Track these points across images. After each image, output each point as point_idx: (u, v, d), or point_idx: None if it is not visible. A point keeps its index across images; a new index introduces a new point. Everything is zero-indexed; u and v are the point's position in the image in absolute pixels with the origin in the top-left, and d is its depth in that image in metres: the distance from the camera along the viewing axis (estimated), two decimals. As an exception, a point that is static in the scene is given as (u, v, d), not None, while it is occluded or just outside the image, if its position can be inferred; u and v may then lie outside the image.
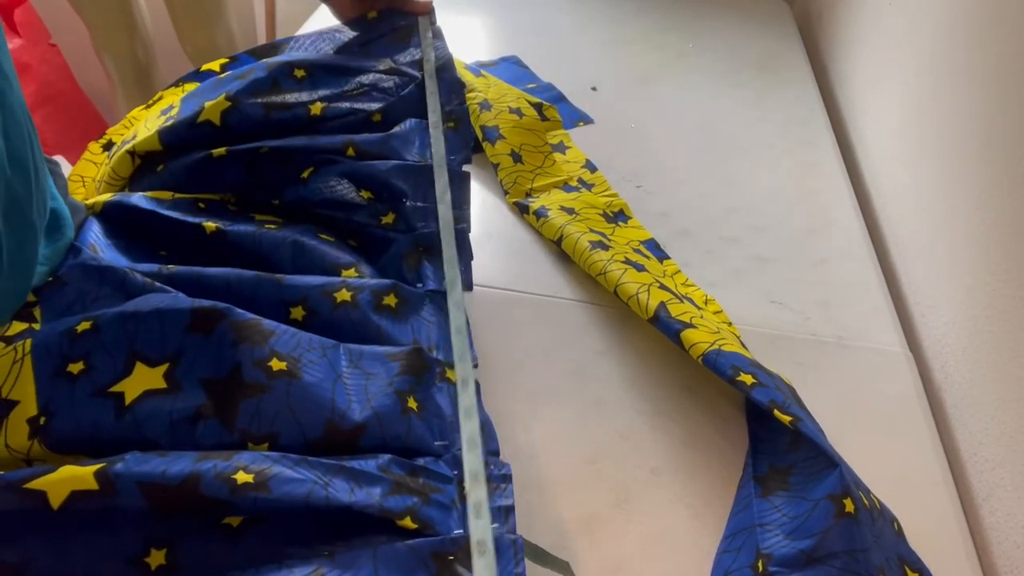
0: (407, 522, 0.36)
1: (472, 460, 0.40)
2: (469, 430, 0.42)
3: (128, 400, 0.36)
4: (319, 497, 0.34)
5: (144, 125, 0.59)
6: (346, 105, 0.58)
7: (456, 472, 0.41)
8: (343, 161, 0.55)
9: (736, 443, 0.49)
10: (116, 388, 0.36)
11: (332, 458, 0.37)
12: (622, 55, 0.94)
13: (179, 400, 0.36)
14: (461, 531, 0.37)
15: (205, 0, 1.15)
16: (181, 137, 0.55)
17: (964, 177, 0.59)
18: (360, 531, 0.35)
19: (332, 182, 0.55)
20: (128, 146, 0.57)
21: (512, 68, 0.87)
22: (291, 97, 0.57)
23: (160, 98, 0.64)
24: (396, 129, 0.59)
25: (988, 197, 0.55)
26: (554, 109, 0.78)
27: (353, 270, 0.49)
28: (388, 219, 0.55)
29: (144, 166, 0.57)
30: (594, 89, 0.86)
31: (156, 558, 0.32)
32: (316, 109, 0.57)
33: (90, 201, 0.50)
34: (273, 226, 0.52)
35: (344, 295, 0.46)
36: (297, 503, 0.33)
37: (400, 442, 0.40)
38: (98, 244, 0.45)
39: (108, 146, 0.63)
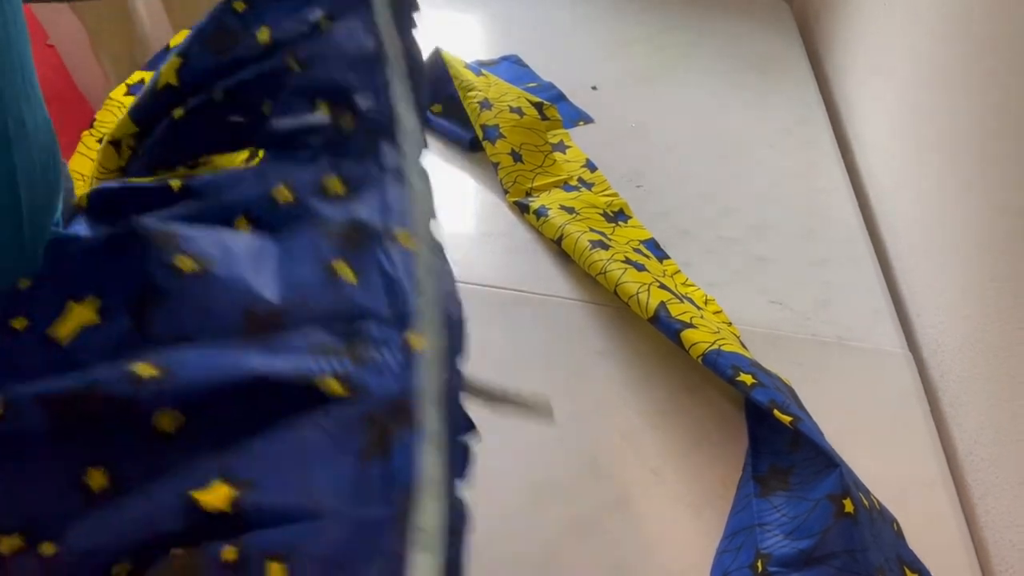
0: (333, 386, 0.32)
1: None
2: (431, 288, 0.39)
3: (63, 340, 0.34)
4: (227, 371, 0.32)
5: (120, 110, 0.58)
6: (291, 22, 0.55)
7: (400, 329, 0.37)
8: (289, 78, 0.52)
9: (736, 443, 0.49)
10: (52, 331, 0.34)
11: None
12: (622, 55, 0.94)
13: (107, 327, 0.34)
14: (397, 388, 0.33)
15: (203, 2, 1.15)
16: (148, 110, 0.53)
17: (962, 176, 0.59)
18: (280, 410, 0.32)
19: (289, 107, 0.51)
20: (108, 136, 0.55)
21: (512, 67, 0.87)
22: (238, 35, 0.54)
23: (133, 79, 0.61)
24: (336, 27, 0.55)
25: (985, 198, 0.55)
26: (554, 108, 0.78)
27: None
28: (347, 122, 0.52)
29: (128, 152, 0.56)
30: (594, 88, 0.86)
31: (96, 478, 0.31)
32: (264, 36, 0.54)
33: (77, 198, 0.49)
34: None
35: (284, 194, 0.42)
36: (204, 382, 0.31)
37: (329, 315, 0.37)
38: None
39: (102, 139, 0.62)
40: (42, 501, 0.30)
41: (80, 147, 0.62)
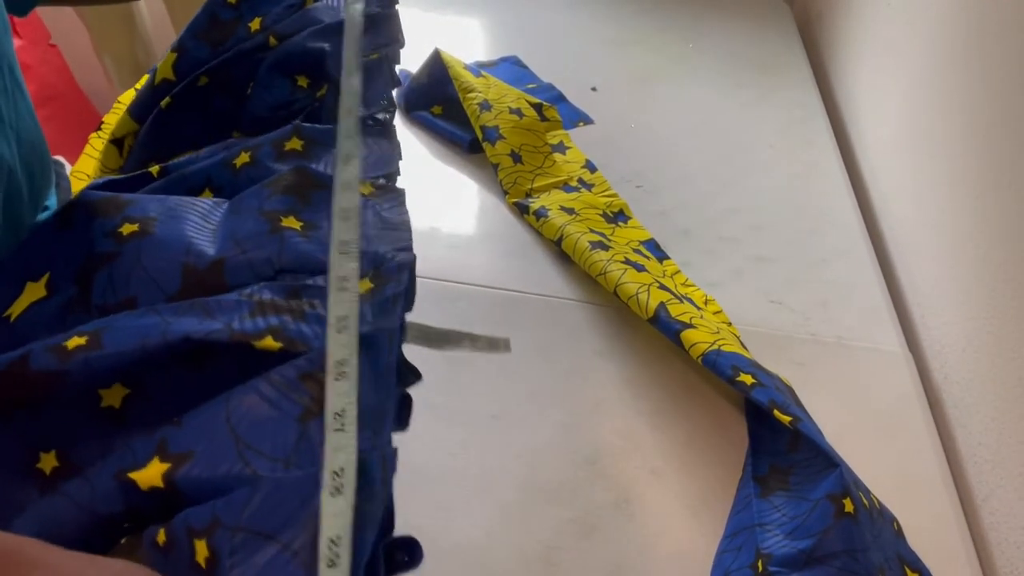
0: (268, 342, 0.31)
1: (345, 230, 0.34)
2: (347, 201, 0.36)
3: (13, 317, 0.33)
4: (155, 337, 0.30)
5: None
6: (280, 7, 0.53)
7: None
8: (268, 55, 0.51)
9: (736, 443, 0.49)
10: (6, 312, 0.34)
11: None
12: (622, 55, 0.94)
13: (54, 300, 0.34)
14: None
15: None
16: (146, 106, 0.52)
17: (963, 177, 0.59)
18: (214, 376, 0.31)
19: (268, 84, 0.50)
20: (110, 135, 0.55)
21: (512, 68, 0.87)
22: (231, 26, 0.53)
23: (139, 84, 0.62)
24: (317, 3, 0.53)
25: (987, 197, 0.55)
26: (554, 109, 0.78)
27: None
28: (322, 92, 0.50)
29: (128, 151, 0.56)
30: (594, 89, 0.86)
31: (47, 462, 0.30)
32: (256, 25, 0.54)
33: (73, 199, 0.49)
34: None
35: (243, 158, 0.42)
36: (133, 351, 0.30)
37: (272, 266, 0.35)
38: None
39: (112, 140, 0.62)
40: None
41: (87, 149, 0.62)
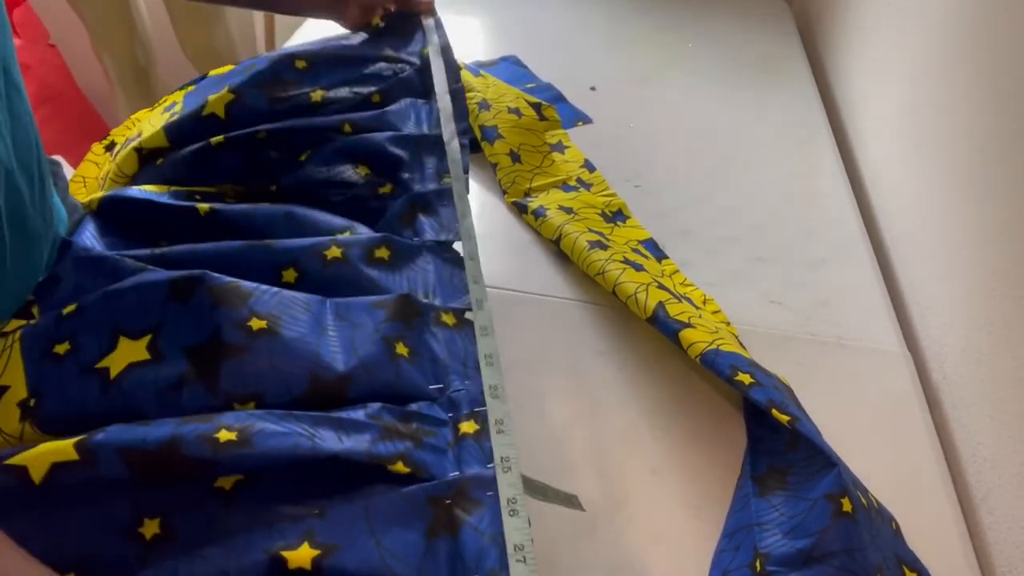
0: (399, 467, 0.36)
1: (491, 375, 0.41)
2: (487, 347, 0.43)
3: (113, 374, 0.35)
4: (305, 448, 0.34)
5: (149, 123, 0.59)
6: (345, 90, 0.58)
7: (451, 415, 0.41)
8: (339, 139, 0.54)
9: (735, 443, 0.49)
10: (102, 364, 0.35)
11: (319, 412, 0.37)
12: (622, 55, 0.94)
13: (163, 369, 0.36)
14: (457, 473, 0.37)
15: (205, 5, 1.15)
16: (186, 132, 0.55)
17: (963, 177, 0.59)
18: (351, 483, 0.35)
19: (329, 161, 0.54)
20: (135, 143, 0.56)
21: (511, 68, 0.87)
22: (293, 88, 0.57)
23: (164, 100, 0.64)
24: (392, 107, 0.58)
25: (986, 197, 0.55)
26: (553, 109, 0.78)
27: (348, 232, 0.49)
28: (386, 189, 0.55)
29: (146, 162, 0.57)
30: (593, 89, 0.86)
31: (150, 528, 0.32)
32: (317, 96, 0.57)
33: (87, 199, 0.50)
34: (268, 203, 0.52)
35: (335, 252, 0.45)
36: (283, 457, 0.33)
37: (389, 389, 0.40)
38: (96, 245, 0.45)
39: (111, 147, 0.63)
40: (99, 545, 0.31)
41: (89, 155, 0.63)
